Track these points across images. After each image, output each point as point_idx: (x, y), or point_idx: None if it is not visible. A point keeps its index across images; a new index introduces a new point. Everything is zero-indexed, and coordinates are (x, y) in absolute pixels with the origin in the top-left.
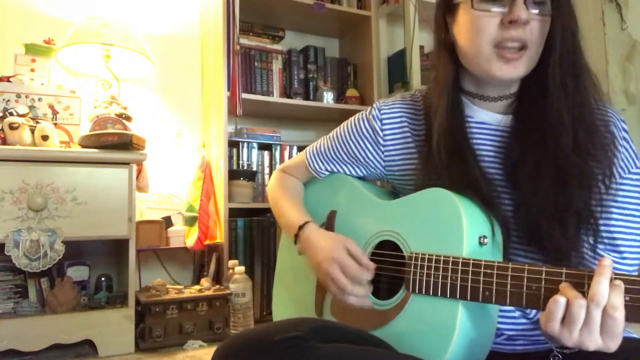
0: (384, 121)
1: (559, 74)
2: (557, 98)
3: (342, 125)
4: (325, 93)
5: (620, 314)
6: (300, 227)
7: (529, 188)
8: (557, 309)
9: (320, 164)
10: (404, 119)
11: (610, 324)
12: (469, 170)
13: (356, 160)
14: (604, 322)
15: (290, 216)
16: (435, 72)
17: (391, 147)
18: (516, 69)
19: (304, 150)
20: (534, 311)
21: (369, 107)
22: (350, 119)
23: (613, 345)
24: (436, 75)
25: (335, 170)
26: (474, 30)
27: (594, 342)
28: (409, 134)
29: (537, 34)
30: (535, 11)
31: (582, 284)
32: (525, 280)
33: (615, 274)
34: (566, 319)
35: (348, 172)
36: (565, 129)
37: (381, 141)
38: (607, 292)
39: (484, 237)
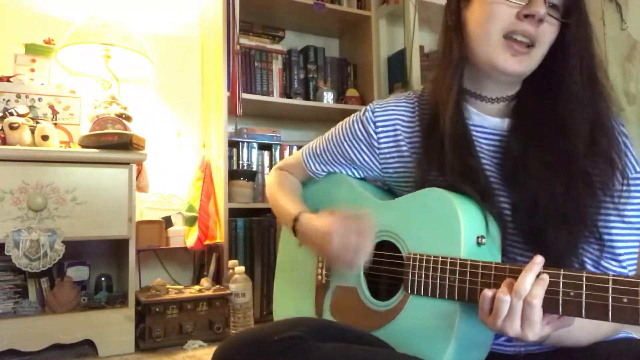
0: (378, 124)
1: (578, 75)
2: (574, 98)
3: (337, 126)
4: (325, 93)
5: (538, 301)
6: (296, 219)
7: (531, 188)
8: (483, 301)
9: (317, 165)
10: (397, 120)
11: (528, 311)
12: (469, 160)
13: (352, 162)
14: (524, 310)
15: (286, 210)
16: (442, 54)
17: (386, 150)
18: (521, 64)
19: (301, 150)
20: None
21: (363, 109)
22: (345, 120)
23: (530, 334)
24: (443, 57)
25: (332, 171)
26: (488, 16)
27: (513, 329)
28: (401, 136)
29: (547, 36)
30: (551, 12)
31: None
32: None
33: (548, 270)
34: (493, 310)
35: (345, 173)
36: (580, 130)
37: (376, 144)
38: (529, 285)
39: (482, 237)
